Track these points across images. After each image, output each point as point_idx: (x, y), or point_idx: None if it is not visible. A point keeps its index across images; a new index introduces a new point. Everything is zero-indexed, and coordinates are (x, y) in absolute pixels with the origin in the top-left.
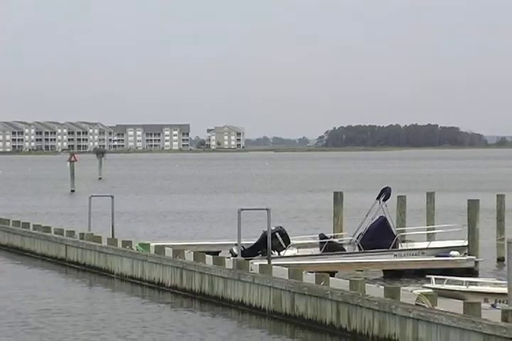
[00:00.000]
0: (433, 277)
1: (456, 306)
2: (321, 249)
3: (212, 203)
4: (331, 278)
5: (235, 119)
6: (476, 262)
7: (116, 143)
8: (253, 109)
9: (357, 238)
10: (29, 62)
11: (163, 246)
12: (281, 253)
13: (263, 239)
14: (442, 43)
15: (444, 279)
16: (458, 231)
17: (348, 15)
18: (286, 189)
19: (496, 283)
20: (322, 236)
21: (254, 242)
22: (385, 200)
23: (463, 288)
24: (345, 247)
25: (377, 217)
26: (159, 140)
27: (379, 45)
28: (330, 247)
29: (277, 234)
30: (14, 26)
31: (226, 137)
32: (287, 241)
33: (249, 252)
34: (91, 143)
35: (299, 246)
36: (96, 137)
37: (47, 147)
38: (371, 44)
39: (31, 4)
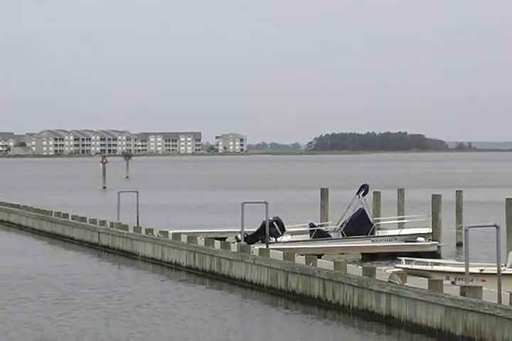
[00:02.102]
0: (403, 259)
1: (422, 283)
2: (310, 236)
3: (219, 198)
4: (318, 259)
5: (238, 128)
6: (439, 246)
7: (140, 147)
8: (253, 120)
9: (340, 226)
10: (66, 77)
11: (180, 233)
12: (278, 239)
13: (262, 227)
14: (412, 61)
15: (413, 260)
16: (423, 220)
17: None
18: (281, 186)
19: (455, 264)
20: (311, 225)
21: (255, 230)
22: (364, 195)
23: (428, 267)
24: (331, 234)
25: (357, 209)
26: (176, 145)
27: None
28: (318, 234)
29: (274, 223)
30: (63, 41)
31: (231, 143)
32: (283, 229)
33: (251, 238)
34: (119, 148)
35: (292, 233)
36: (124, 143)
37: (83, 151)
38: (350, 68)
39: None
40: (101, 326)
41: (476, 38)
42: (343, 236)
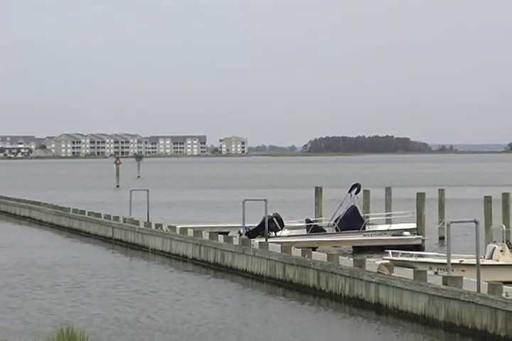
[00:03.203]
0: (390, 251)
1: (408, 273)
2: (307, 231)
3: (222, 195)
4: (313, 252)
5: (240, 132)
6: (423, 240)
7: (150, 149)
8: (253, 124)
9: (335, 222)
10: (84, 87)
11: (186, 228)
12: (278, 233)
13: (263, 222)
14: (396, 69)
15: (399, 253)
16: (409, 216)
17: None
18: (280, 185)
19: (437, 256)
20: (308, 221)
21: (256, 225)
22: (356, 193)
23: (413, 259)
24: (326, 229)
25: (349, 206)
26: (183, 147)
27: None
28: (314, 229)
29: (274, 219)
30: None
31: (233, 145)
32: (282, 224)
33: (252, 233)
34: (131, 150)
35: (291, 228)
36: (135, 145)
37: (98, 153)
38: (344, 74)
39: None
40: (110, 311)
41: (458, 47)
42: (337, 231)
